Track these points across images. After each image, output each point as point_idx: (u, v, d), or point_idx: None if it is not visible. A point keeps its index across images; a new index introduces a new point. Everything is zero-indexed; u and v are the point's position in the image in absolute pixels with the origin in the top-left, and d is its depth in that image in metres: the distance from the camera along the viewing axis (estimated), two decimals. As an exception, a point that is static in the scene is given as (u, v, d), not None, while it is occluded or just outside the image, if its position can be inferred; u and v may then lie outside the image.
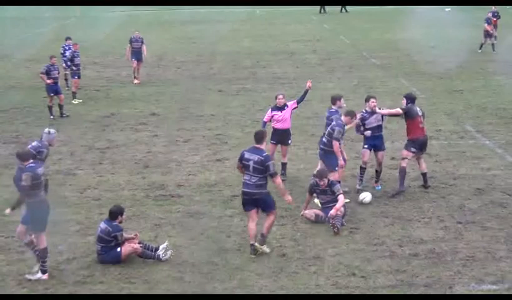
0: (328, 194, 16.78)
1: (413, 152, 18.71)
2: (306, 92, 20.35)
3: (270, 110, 20.07)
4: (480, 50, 44.20)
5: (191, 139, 24.55)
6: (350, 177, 19.91)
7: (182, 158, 22.24)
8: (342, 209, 16.50)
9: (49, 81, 27.72)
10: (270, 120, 19.94)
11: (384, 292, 13.37)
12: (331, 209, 16.37)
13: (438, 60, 41.70)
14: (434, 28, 59.27)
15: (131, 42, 35.15)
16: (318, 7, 79.18)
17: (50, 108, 27.88)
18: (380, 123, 19.07)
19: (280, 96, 20.00)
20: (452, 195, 18.51)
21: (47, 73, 27.80)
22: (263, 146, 14.95)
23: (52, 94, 27.85)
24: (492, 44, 44.68)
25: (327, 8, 79.28)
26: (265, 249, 15.08)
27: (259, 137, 15.04)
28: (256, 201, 14.92)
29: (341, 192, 16.75)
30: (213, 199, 18.59)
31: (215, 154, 22.60)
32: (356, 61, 42.32)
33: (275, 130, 19.87)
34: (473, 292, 13.26)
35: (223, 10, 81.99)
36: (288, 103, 19.91)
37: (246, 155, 14.92)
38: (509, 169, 20.54)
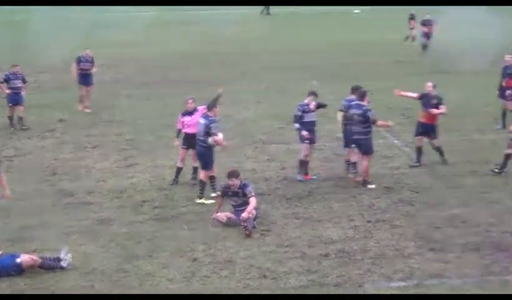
0: (240, 196, 16.74)
1: None
2: (218, 97, 20.31)
3: (180, 115, 19.95)
4: (423, 51, 44.84)
5: (100, 144, 24.24)
6: (263, 180, 19.96)
7: (91, 164, 21.94)
8: (254, 211, 16.50)
9: (7, 91, 26.60)
10: (183, 126, 19.82)
11: (296, 292, 13.40)
12: (243, 212, 16.35)
13: (349, 62, 42.23)
14: (348, 30, 60.04)
15: (79, 62, 29.90)
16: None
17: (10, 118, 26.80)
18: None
19: (190, 100, 19.92)
20: (362, 194, 18.71)
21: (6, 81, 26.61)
22: None
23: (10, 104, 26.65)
24: (409, 40, 45.69)
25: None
26: None
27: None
28: None
29: (254, 194, 16.75)
30: (123, 205, 18.38)
31: (125, 160, 22.36)
32: (268, 63, 42.46)
33: (186, 134, 19.74)
34: (382, 290, 13.40)
35: (134, 13, 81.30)
36: (198, 107, 19.84)
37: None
38: (416, 168, 20.86)
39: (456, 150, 22.57)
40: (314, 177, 20.04)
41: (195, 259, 14.95)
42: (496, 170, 20.02)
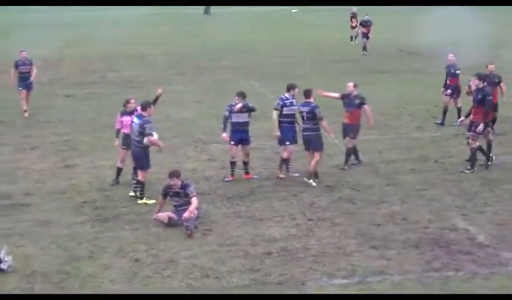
0: (181, 196, 16.66)
1: None
2: (157, 98, 20.27)
3: (119, 115, 19.79)
4: (364, 52, 45.06)
5: (39, 145, 23.92)
6: (204, 180, 19.92)
7: (29, 165, 21.63)
8: (195, 211, 16.45)
9: None
10: (122, 126, 19.65)
11: (239, 291, 13.40)
12: (184, 212, 16.29)
13: (287, 61, 42.47)
14: (286, 29, 60.30)
15: (17, 66, 28.94)
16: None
17: None
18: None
19: (132, 100, 19.77)
20: (303, 193, 18.79)
21: None
22: None
23: None
24: (352, 38, 46.16)
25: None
26: None
27: None
28: None
29: (195, 194, 16.69)
30: (64, 206, 18.16)
31: (64, 160, 22.10)
32: (207, 63, 42.46)
33: (126, 135, 19.56)
34: (325, 287, 13.47)
35: (70, 13, 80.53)
36: (138, 108, 19.70)
37: None
38: (356, 166, 21.04)
39: (396, 148, 22.86)
40: (255, 176, 20.06)
41: (137, 260, 14.84)
42: (468, 169, 20.26)
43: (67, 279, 14.03)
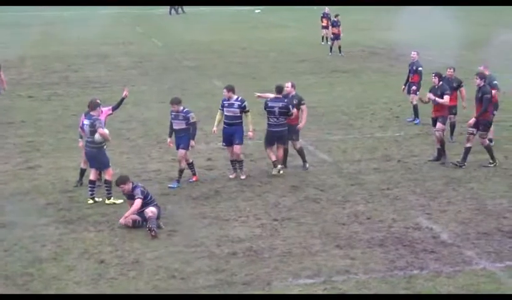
0: (135, 198, 16.60)
1: None
2: (122, 100, 20.22)
3: (82, 116, 19.65)
4: (330, 54, 45.09)
5: (1, 147, 23.66)
6: (168, 180, 19.87)
7: (-9, 167, 21.43)
8: (154, 210, 16.34)
9: None
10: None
11: (205, 292, 13.39)
12: (143, 213, 16.27)
13: (250, 61, 42.51)
14: (248, 30, 60.33)
15: None
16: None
17: None
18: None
19: (98, 101, 19.62)
20: (268, 193, 18.82)
21: None
22: None
23: None
24: (325, 39, 46.45)
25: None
26: None
27: None
28: None
29: (139, 196, 16.55)
30: (27, 208, 18.00)
31: (26, 162, 21.90)
32: (169, 63, 42.37)
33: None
34: (290, 287, 13.51)
35: (31, 13, 79.85)
36: (102, 109, 19.60)
37: None
38: (320, 166, 21.12)
39: (359, 148, 22.97)
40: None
41: (102, 261, 14.77)
42: (457, 164, 20.59)
43: (31, 281, 13.92)
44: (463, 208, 17.46)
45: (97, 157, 18.22)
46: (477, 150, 21.03)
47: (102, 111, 19.37)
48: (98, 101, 18.73)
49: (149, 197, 16.71)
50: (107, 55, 46.05)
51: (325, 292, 13.27)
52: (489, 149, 20.81)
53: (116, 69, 40.53)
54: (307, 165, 20.75)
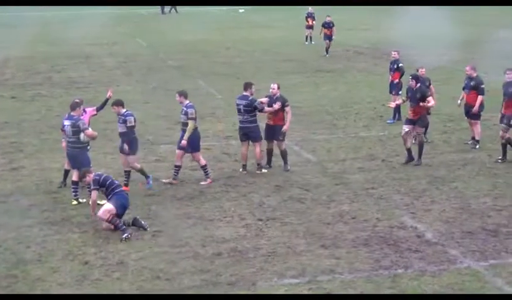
0: (103, 191, 16.61)
1: None
2: (106, 101, 20.17)
3: (66, 116, 19.58)
4: (327, 54, 44.95)
5: (-16, 148, 23.59)
6: (153, 181, 19.81)
7: (-25, 168, 21.32)
8: (109, 207, 16.20)
9: None
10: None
11: (190, 292, 13.36)
12: (111, 201, 16.41)
13: (234, 61, 42.52)
14: (232, 30, 60.34)
15: None
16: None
17: None
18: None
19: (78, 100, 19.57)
20: (253, 193, 18.81)
21: None
22: None
23: None
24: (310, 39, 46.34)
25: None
26: None
27: None
28: None
29: (93, 187, 16.49)
30: (10, 209, 17.90)
31: (10, 163, 21.80)
32: (154, 63, 42.33)
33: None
34: (275, 287, 13.50)
35: (15, 13, 79.54)
36: (86, 109, 19.54)
37: None
38: (305, 166, 21.13)
39: (344, 147, 22.99)
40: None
41: (86, 262, 14.71)
42: (499, 160, 20.93)
43: (16, 282, 13.85)
44: (447, 207, 17.50)
45: (78, 158, 18.16)
46: (461, 149, 21.09)
47: (85, 111, 19.34)
48: (77, 101, 18.70)
49: (107, 182, 16.51)
50: (91, 55, 45.97)
51: (310, 292, 13.28)
52: (504, 143, 21.02)
53: (100, 69, 40.44)
54: (288, 167, 20.70)
